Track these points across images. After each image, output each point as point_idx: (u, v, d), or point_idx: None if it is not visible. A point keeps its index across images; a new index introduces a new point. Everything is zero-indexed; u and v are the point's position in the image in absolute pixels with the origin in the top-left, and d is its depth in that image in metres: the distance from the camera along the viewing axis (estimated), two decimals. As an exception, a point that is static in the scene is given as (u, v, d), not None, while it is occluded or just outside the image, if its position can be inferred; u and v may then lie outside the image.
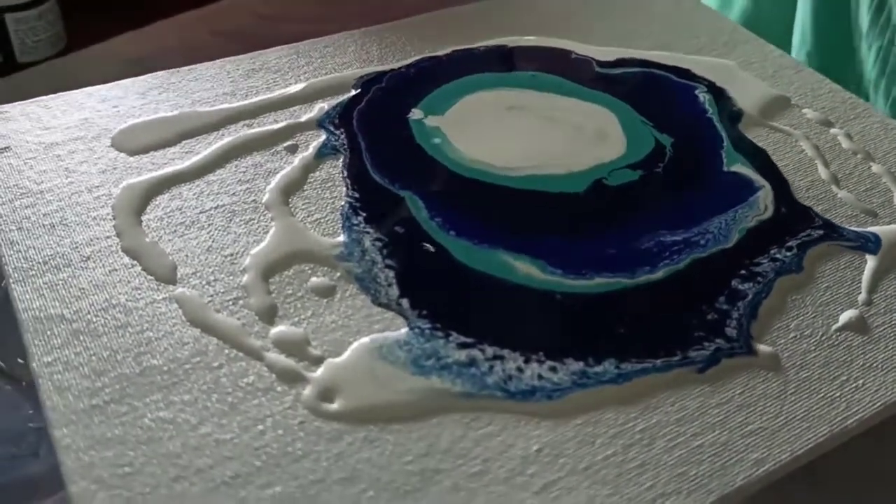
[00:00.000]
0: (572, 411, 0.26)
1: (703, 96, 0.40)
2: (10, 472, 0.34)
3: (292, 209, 0.32)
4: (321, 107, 0.37)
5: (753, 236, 0.33)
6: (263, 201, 0.32)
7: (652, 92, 0.41)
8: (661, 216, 0.34)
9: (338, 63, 0.41)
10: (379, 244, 0.31)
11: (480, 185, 0.34)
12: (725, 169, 0.36)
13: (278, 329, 0.28)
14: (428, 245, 0.31)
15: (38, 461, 0.34)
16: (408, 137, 0.37)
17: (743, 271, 0.31)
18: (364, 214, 0.32)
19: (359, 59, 0.41)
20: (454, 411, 0.26)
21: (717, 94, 0.41)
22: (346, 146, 0.35)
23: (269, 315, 0.28)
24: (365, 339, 0.27)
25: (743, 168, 0.36)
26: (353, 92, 0.38)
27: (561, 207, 0.34)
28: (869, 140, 0.38)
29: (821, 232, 0.33)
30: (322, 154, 0.35)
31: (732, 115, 0.39)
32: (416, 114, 0.38)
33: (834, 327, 0.29)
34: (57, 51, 0.51)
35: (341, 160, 0.35)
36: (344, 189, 0.33)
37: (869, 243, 0.33)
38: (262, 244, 0.31)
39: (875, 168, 0.37)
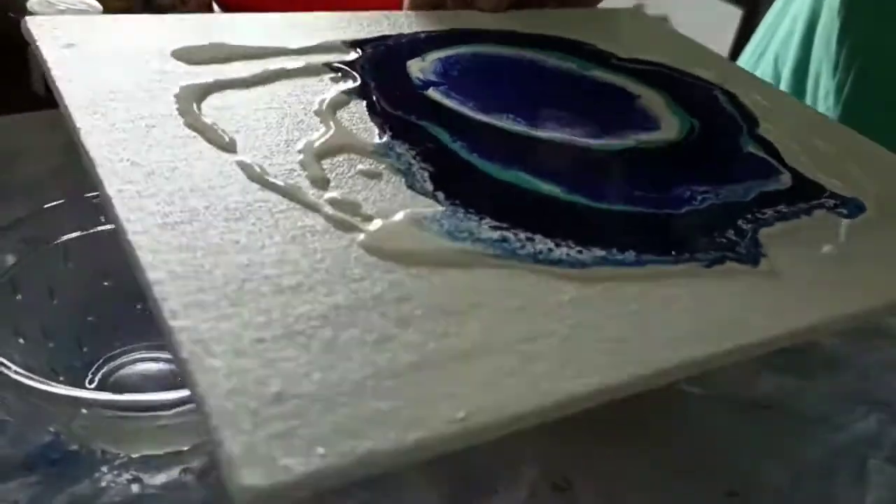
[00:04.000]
0: (597, 279, 0.29)
1: (720, 95, 0.46)
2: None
3: (339, 119, 0.35)
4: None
5: (769, 196, 0.37)
6: (313, 110, 0.35)
7: (673, 85, 0.46)
8: (693, 175, 0.37)
9: (373, 31, 0.45)
10: (412, 152, 0.34)
11: (504, 131, 0.38)
12: (745, 151, 0.41)
13: (332, 194, 0.30)
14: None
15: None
16: (410, 86, 0.40)
17: (748, 215, 0.35)
18: (391, 133, 0.35)
19: (391, 30, 0.45)
20: (491, 268, 0.28)
21: (731, 95, 0.46)
22: (360, 86, 0.38)
23: (323, 184, 0.31)
24: (408, 211, 0.30)
25: (759, 152, 0.41)
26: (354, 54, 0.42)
27: (593, 157, 0.37)
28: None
29: (831, 202, 0.37)
30: (350, 92, 0.38)
31: (749, 115, 0.44)
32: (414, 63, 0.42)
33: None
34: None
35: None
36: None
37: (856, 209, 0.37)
38: (315, 135, 0.33)
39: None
